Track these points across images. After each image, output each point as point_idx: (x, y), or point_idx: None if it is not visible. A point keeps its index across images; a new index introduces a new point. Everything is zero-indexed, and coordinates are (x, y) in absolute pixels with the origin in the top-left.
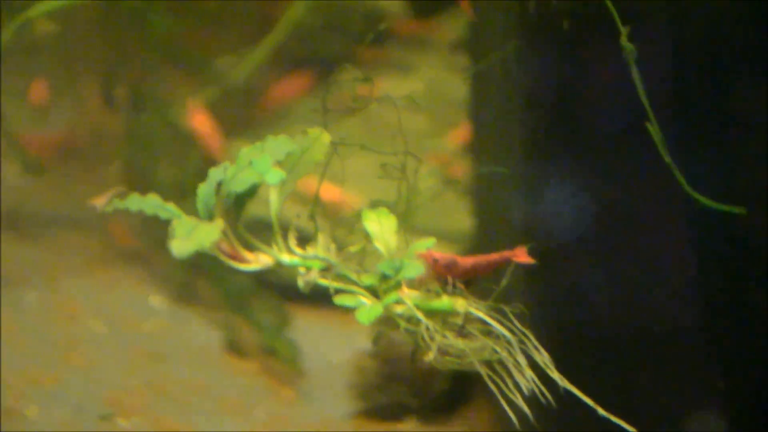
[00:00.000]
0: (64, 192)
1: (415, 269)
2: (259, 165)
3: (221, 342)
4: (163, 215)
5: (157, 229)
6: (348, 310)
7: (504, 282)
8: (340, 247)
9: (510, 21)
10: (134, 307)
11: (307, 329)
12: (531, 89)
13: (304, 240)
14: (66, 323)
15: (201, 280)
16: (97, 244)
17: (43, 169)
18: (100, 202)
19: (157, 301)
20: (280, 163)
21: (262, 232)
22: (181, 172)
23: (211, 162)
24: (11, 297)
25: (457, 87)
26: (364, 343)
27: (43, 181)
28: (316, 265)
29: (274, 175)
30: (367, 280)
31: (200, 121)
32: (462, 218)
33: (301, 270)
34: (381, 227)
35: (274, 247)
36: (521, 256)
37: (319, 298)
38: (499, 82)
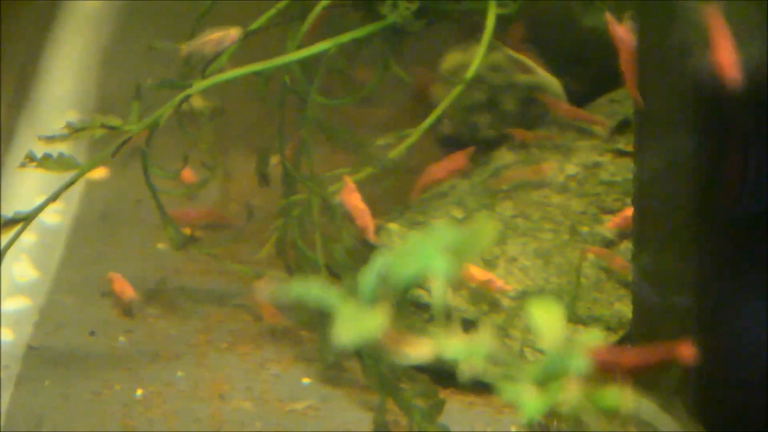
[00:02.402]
0: (215, 269)
1: (582, 363)
2: (426, 252)
3: (371, 425)
4: (326, 302)
5: (307, 308)
6: (503, 398)
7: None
8: (501, 334)
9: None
10: (284, 386)
11: (459, 415)
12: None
13: (465, 326)
14: (215, 401)
15: (352, 361)
16: (246, 321)
17: (193, 243)
18: (264, 287)
19: (306, 381)
20: (446, 250)
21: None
22: (336, 252)
23: (364, 242)
24: (162, 374)
25: (616, 172)
26: (518, 430)
27: (193, 257)
28: (480, 353)
29: (441, 263)
30: (531, 371)
31: (355, 200)
32: (621, 306)
33: (464, 359)
34: (547, 317)
35: (439, 335)
36: (685, 351)
37: (474, 383)
38: (668, 169)
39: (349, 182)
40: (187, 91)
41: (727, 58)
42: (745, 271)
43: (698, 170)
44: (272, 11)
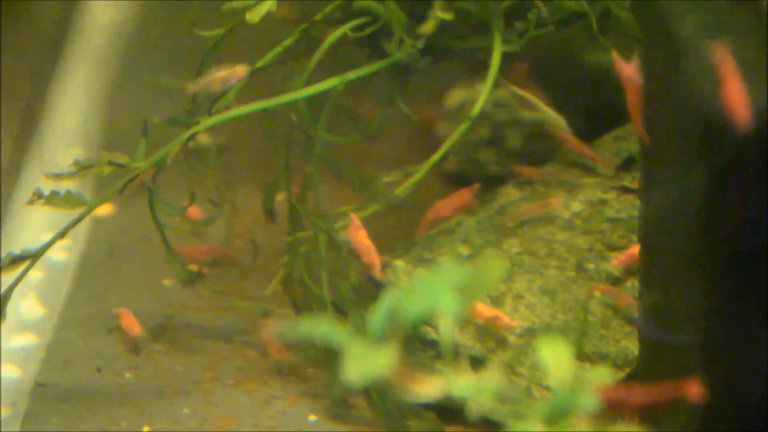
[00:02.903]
0: (221, 305)
1: (591, 400)
2: (434, 289)
3: None
4: (334, 340)
5: (314, 345)
6: None
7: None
8: (508, 371)
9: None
10: (290, 423)
11: None
12: (708, 214)
13: (472, 364)
14: None
15: (358, 397)
16: (252, 357)
17: (199, 280)
18: (271, 324)
19: (313, 417)
20: (454, 288)
21: (425, 353)
22: (342, 289)
23: (371, 279)
24: (168, 410)
25: (621, 209)
26: None
27: (199, 294)
28: (489, 390)
29: (449, 301)
30: (540, 408)
31: (361, 237)
32: (628, 344)
33: (472, 397)
34: (555, 354)
35: (447, 373)
36: (692, 389)
37: (479, 421)
38: (673, 205)
39: (355, 219)
40: (194, 129)
41: (737, 99)
42: (751, 306)
43: (703, 206)
44: (279, 48)
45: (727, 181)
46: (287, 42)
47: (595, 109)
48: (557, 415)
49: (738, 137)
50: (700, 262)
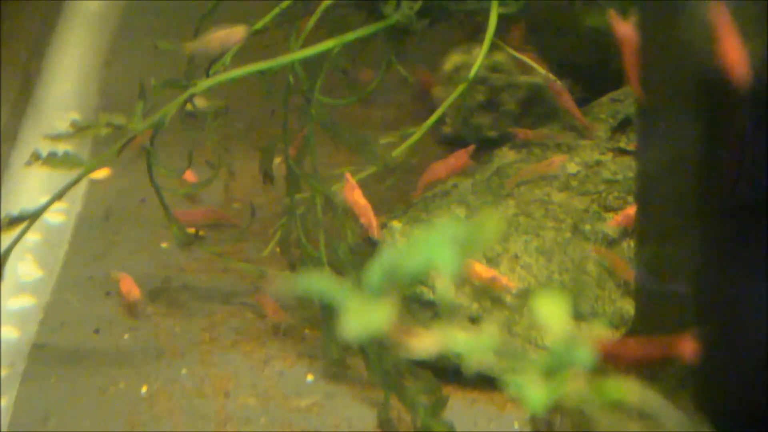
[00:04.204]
0: (218, 267)
1: (587, 355)
2: (432, 246)
3: (375, 421)
4: (332, 297)
5: (311, 305)
6: (508, 392)
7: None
8: (505, 330)
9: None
10: (288, 383)
11: (462, 411)
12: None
13: (470, 322)
14: (220, 398)
15: (355, 357)
16: (250, 319)
17: (197, 242)
18: (268, 283)
19: (310, 378)
20: (451, 245)
21: (423, 312)
22: (339, 250)
23: (368, 240)
24: (166, 371)
25: (617, 170)
26: (521, 426)
27: (196, 255)
28: (486, 346)
29: (446, 257)
30: (537, 364)
31: (356, 197)
32: (623, 303)
33: (468, 353)
34: (552, 310)
35: (444, 330)
36: (686, 346)
37: (476, 379)
38: (670, 162)
39: (350, 179)
40: (192, 90)
41: (734, 56)
42: (746, 260)
43: (700, 162)
44: (276, 11)
45: (724, 136)
46: (284, 4)
47: (593, 73)
48: (554, 369)
49: (735, 93)
50: (696, 217)
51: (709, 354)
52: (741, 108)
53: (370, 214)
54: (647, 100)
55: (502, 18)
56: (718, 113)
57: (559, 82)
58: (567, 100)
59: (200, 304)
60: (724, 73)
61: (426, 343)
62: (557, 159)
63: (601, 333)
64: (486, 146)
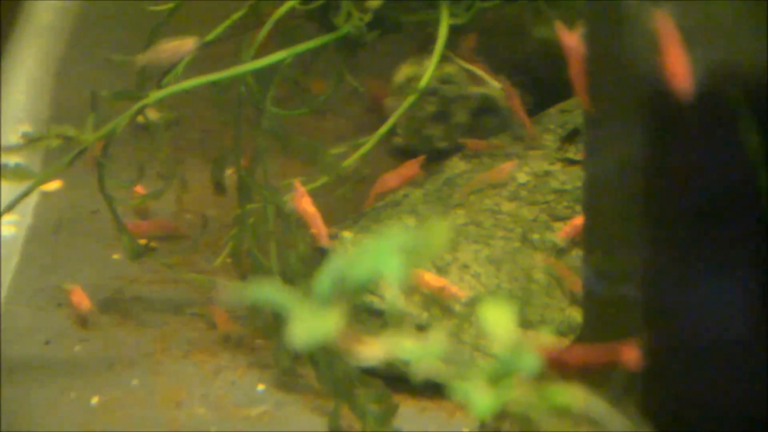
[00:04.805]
0: (170, 278)
1: (533, 361)
2: (380, 254)
3: (326, 430)
4: (281, 304)
5: (262, 315)
6: (455, 398)
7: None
8: (453, 338)
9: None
10: (239, 393)
11: (412, 419)
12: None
13: (418, 330)
14: (171, 408)
15: (306, 367)
16: (201, 329)
17: (149, 253)
18: (218, 293)
19: (261, 387)
20: (399, 253)
21: (371, 320)
22: (290, 260)
23: (319, 249)
24: (117, 382)
25: (566, 180)
26: None
27: (148, 267)
28: (433, 353)
29: (394, 265)
30: (483, 370)
31: (305, 205)
32: (572, 312)
33: (417, 360)
34: (498, 318)
35: (391, 337)
36: (629, 353)
37: (426, 387)
38: (616, 170)
39: (299, 187)
40: (143, 101)
41: (677, 66)
42: (692, 265)
43: (645, 171)
44: (227, 22)
45: (669, 145)
46: (236, 15)
47: (542, 83)
48: (500, 376)
49: (680, 102)
50: (642, 224)
51: (655, 360)
52: (686, 117)
53: (320, 222)
54: (594, 109)
55: (452, 29)
56: (663, 122)
57: (510, 86)
58: (516, 103)
59: (152, 315)
60: (668, 84)
61: (373, 350)
62: (508, 165)
63: (548, 341)
64: (437, 157)
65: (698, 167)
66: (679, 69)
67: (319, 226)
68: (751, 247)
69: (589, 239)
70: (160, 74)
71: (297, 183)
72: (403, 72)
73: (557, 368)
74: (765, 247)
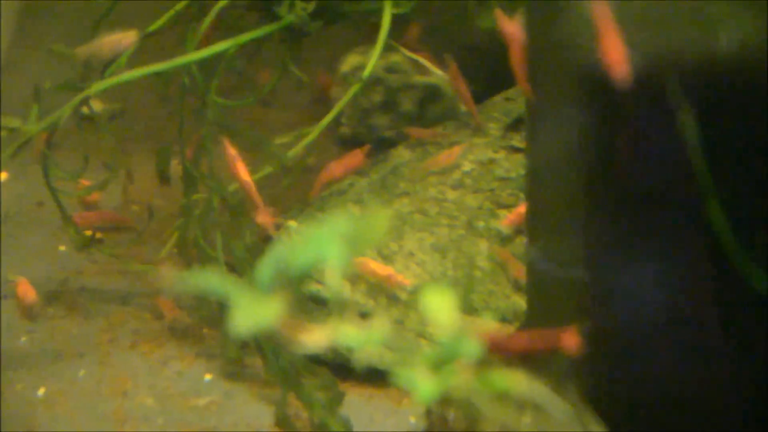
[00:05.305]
0: (115, 269)
1: (474, 347)
2: (321, 242)
3: (273, 419)
4: (223, 291)
5: (208, 305)
6: (402, 388)
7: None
8: (397, 325)
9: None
10: (186, 383)
11: (359, 407)
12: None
13: (361, 317)
14: (118, 398)
15: (253, 356)
16: (148, 320)
17: (95, 244)
18: (162, 279)
19: (208, 377)
20: (340, 240)
21: (316, 309)
22: (236, 249)
23: (266, 239)
24: (64, 373)
25: (510, 168)
26: (416, 421)
27: (94, 258)
28: (375, 340)
29: (335, 252)
30: (425, 356)
31: (239, 169)
32: (517, 298)
33: (360, 347)
34: (440, 306)
35: (333, 324)
36: (569, 339)
37: (372, 375)
38: (557, 157)
39: (230, 149)
40: (86, 92)
41: (615, 54)
42: (632, 251)
43: (585, 157)
44: (170, 13)
45: (608, 132)
46: (179, 6)
47: (487, 72)
48: (442, 361)
49: (618, 90)
50: (582, 211)
51: (596, 344)
52: (625, 103)
53: (253, 190)
54: (535, 97)
55: (397, 19)
56: (602, 109)
57: (455, 66)
58: (462, 86)
59: (98, 306)
60: (605, 71)
61: (316, 338)
62: (456, 149)
63: (491, 327)
64: (384, 146)
65: (638, 153)
66: (616, 56)
67: (252, 194)
68: (689, 231)
69: (531, 226)
70: (103, 66)
71: (227, 144)
72: (349, 62)
73: (499, 354)
74: (703, 231)
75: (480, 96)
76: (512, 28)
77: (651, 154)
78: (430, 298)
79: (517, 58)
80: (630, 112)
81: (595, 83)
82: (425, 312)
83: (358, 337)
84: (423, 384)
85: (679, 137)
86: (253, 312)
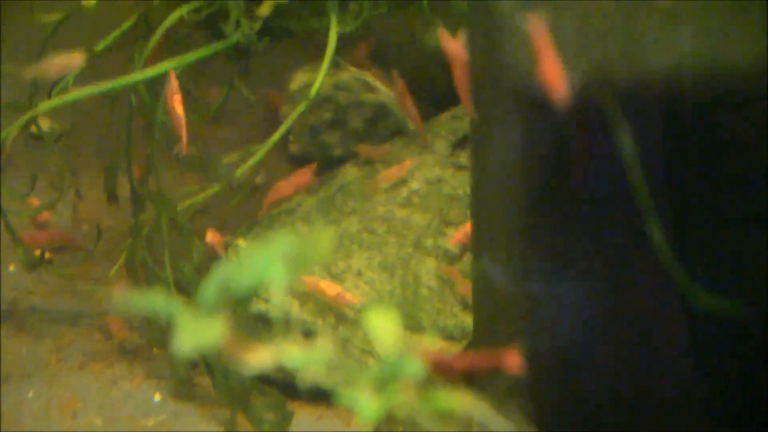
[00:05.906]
0: (65, 289)
1: (417, 366)
2: (265, 261)
3: None
4: (167, 311)
5: (157, 325)
6: (341, 404)
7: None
8: (343, 345)
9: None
10: (135, 403)
11: (308, 427)
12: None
13: (307, 336)
14: (67, 420)
15: (202, 376)
16: (98, 340)
17: (44, 264)
18: (116, 299)
19: (158, 397)
20: (284, 260)
21: (263, 328)
22: (184, 269)
23: (214, 258)
24: (12, 393)
25: (458, 186)
26: None
27: (43, 278)
28: (319, 359)
29: (279, 271)
30: (369, 378)
31: (175, 103)
32: (465, 317)
33: (303, 367)
34: (383, 325)
35: (278, 344)
36: (511, 359)
37: (321, 395)
38: (501, 180)
39: (173, 80)
40: (33, 112)
41: (551, 74)
42: (572, 267)
43: (526, 173)
44: (117, 32)
45: (548, 149)
46: (125, 25)
47: (434, 90)
48: (385, 381)
49: (555, 110)
50: (523, 228)
51: (538, 362)
52: (563, 120)
53: (183, 128)
54: (478, 116)
55: (345, 37)
56: (541, 126)
57: (402, 83)
58: (408, 102)
59: (48, 326)
60: (544, 91)
61: (260, 357)
62: (407, 163)
63: (436, 345)
64: (333, 164)
65: (578, 169)
66: (554, 78)
67: (182, 131)
68: (634, 247)
69: (476, 244)
70: (50, 86)
71: (172, 75)
72: (299, 79)
73: (442, 373)
74: (647, 245)
75: (428, 114)
76: (455, 46)
77: (593, 171)
78: (373, 317)
79: (459, 77)
80: (570, 130)
81: (535, 102)
82: (369, 331)
83: (300, 356)
84: (366, 404)
85: (616, 152)
86: (196, 332)
